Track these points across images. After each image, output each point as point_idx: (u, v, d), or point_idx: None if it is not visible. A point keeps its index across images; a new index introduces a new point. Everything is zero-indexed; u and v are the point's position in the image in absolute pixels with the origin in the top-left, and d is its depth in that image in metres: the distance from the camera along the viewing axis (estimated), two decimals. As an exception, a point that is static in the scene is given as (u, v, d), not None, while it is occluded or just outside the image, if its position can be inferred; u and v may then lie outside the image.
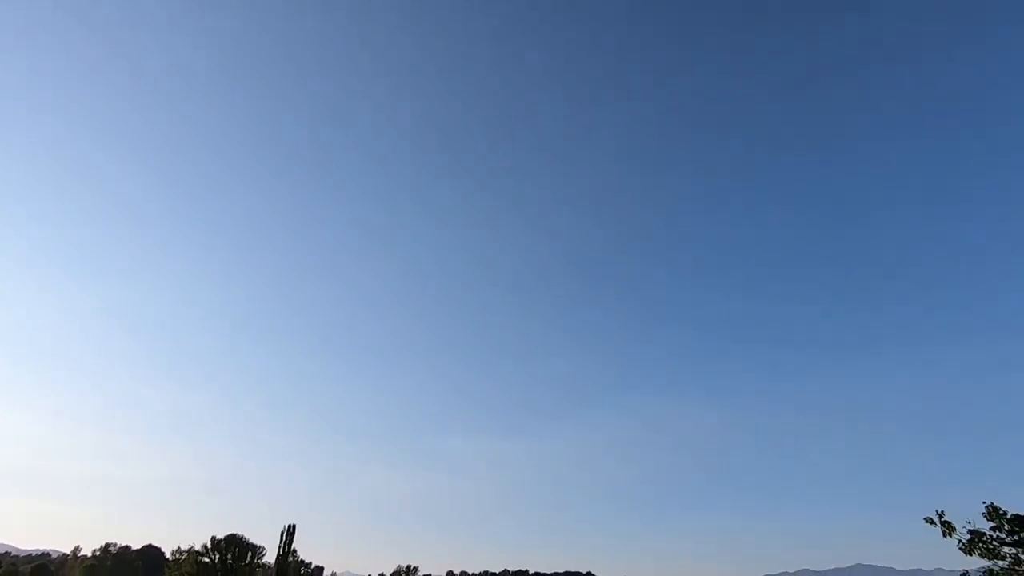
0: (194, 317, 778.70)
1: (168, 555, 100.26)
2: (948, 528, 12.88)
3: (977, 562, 13.26)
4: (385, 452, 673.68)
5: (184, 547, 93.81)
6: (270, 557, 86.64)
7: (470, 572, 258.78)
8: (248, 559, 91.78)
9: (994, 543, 12.43)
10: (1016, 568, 12.27)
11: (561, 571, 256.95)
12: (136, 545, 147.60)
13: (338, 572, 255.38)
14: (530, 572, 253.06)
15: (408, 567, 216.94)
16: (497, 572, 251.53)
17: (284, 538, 67.43)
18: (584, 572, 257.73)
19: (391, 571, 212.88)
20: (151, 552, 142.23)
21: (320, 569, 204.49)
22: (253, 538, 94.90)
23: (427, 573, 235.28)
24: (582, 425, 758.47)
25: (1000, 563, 12.43)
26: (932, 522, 13.12)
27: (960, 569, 13.68)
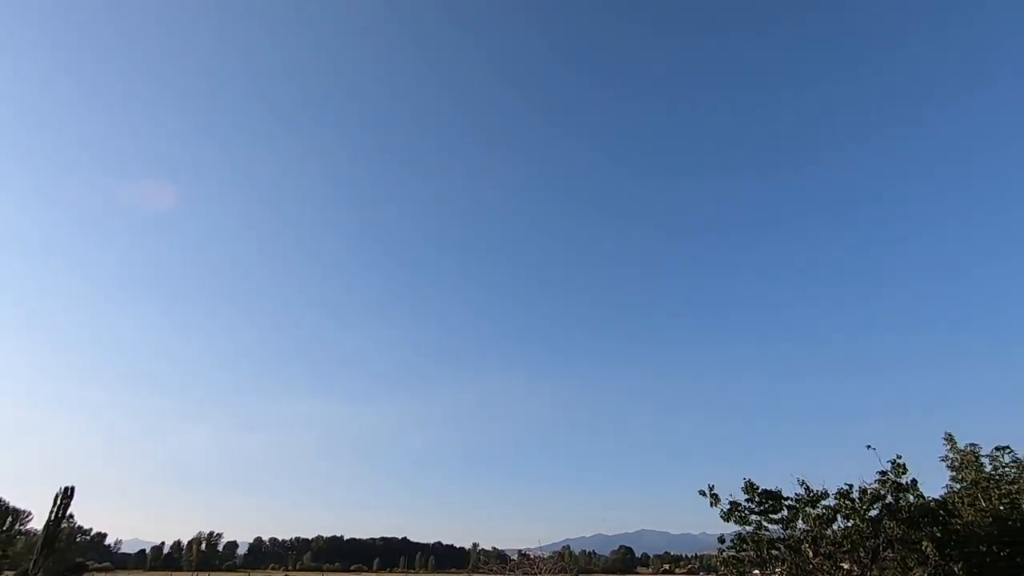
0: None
1: None
2: (715, 499, 15.38)
3: (732, 528, 16.07)
4: (198, 408, 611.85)
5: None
6: (39, 523, 75.47)
7: (280, 539, 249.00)
8: (6, 525, 78.88)
9: (746, 512, 15.20)
10: (758, 532, 15.16)
11: (377, 537, 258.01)
12: None
13: (124, 539, 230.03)
14: (344, 538, 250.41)
15: (211, 534, 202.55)
16: (311, 539, 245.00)
17: (58, 502, 58.95)
18: (399, 538, 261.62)
19: (190, 538, 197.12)
20: None
21: (102, 536, 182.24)
22: (17, 502, 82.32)
23: (232, 540, 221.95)
24: (410, 395, 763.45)
25: (747, 528, 15.27)
26: (704, 494, 15.62)
27: (719, 533, 16.52)
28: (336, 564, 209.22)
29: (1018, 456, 23.30)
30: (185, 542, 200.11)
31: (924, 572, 13.07)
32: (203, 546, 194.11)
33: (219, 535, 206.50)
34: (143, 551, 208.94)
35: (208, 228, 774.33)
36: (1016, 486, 20.26)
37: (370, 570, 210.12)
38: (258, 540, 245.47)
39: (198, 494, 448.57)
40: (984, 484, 20.61)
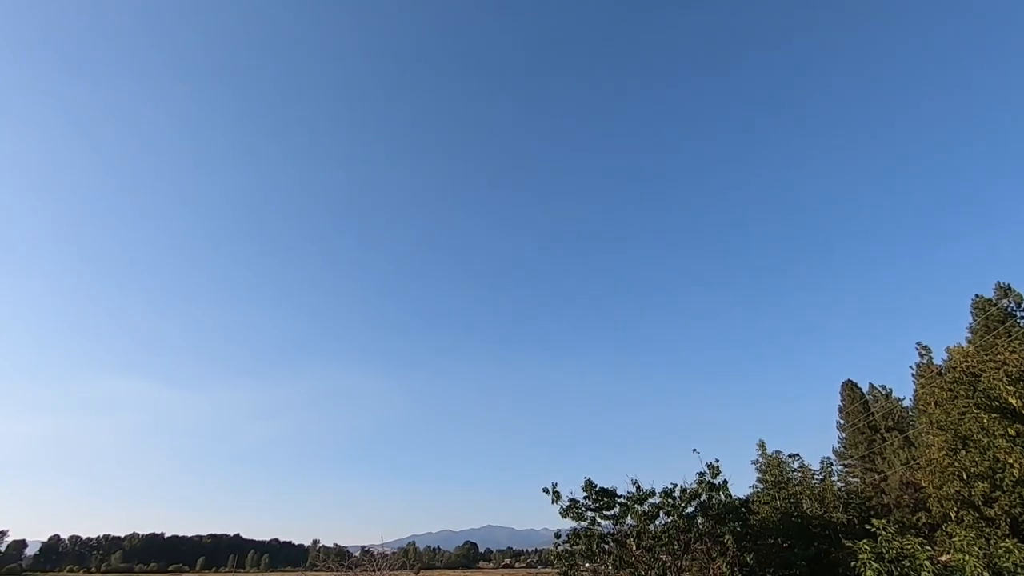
0: None
1: None
2: (556, 496, 16.35)
3: (570, 523, 17.19)
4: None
5: None
6: None
7: (84, 537, 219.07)
8: None
9: (582, 509, 16.34)
10: (591, 527, 16.35)
11: (204, 534, 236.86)
12: None
13: None
14: (165, 536, 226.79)
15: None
16: (123, 536, 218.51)
17: None
18: (231, 535, 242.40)
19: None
20: None
21: None
22: None
23: (19, 539, 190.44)
24: (252, 382, 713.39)
25: (583, 524, 16.42)
26: (547, 491, 16.53)
27: (558, 529, 17.55)
28: (152, 564, 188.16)
29: (804, 463, 27.59)
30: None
31: (724, 561, 14.98)
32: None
33: (2, 533, 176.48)
34: None
35: None
36: (799, 488, 24.10)
37: (193, 570, 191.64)
38: (55, 539, 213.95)
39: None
40: (780, 485, 24.19)
